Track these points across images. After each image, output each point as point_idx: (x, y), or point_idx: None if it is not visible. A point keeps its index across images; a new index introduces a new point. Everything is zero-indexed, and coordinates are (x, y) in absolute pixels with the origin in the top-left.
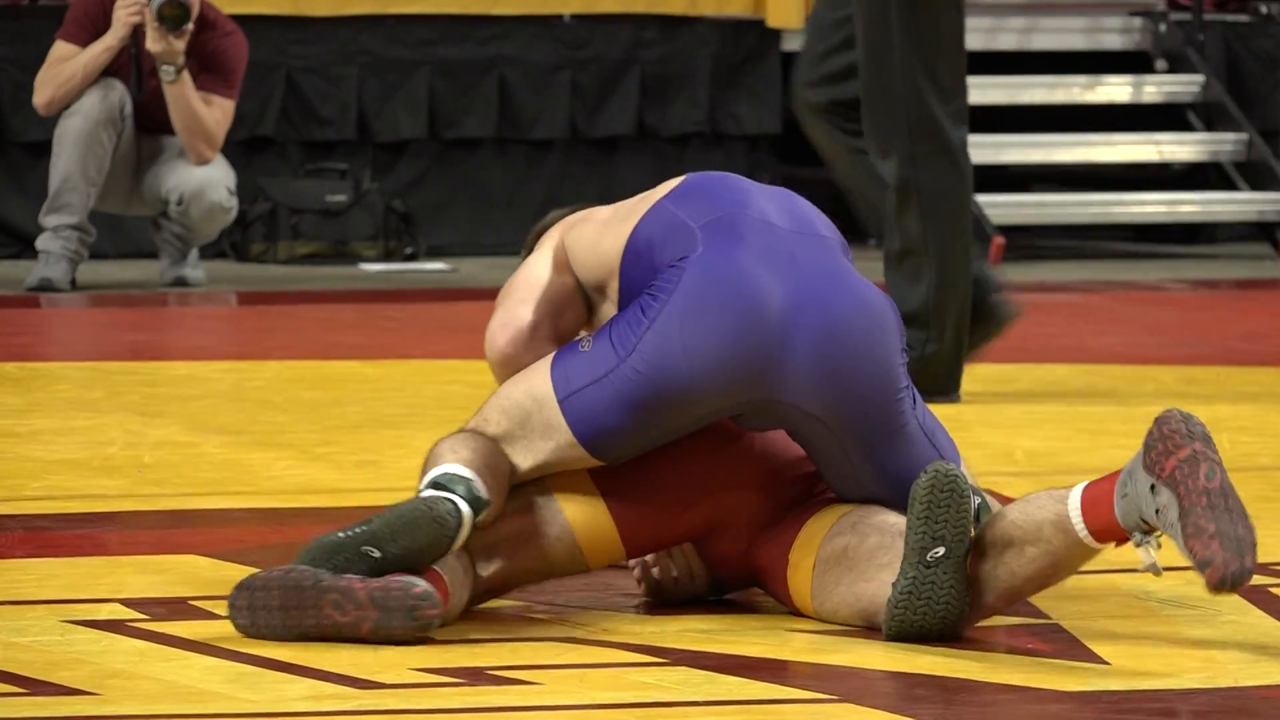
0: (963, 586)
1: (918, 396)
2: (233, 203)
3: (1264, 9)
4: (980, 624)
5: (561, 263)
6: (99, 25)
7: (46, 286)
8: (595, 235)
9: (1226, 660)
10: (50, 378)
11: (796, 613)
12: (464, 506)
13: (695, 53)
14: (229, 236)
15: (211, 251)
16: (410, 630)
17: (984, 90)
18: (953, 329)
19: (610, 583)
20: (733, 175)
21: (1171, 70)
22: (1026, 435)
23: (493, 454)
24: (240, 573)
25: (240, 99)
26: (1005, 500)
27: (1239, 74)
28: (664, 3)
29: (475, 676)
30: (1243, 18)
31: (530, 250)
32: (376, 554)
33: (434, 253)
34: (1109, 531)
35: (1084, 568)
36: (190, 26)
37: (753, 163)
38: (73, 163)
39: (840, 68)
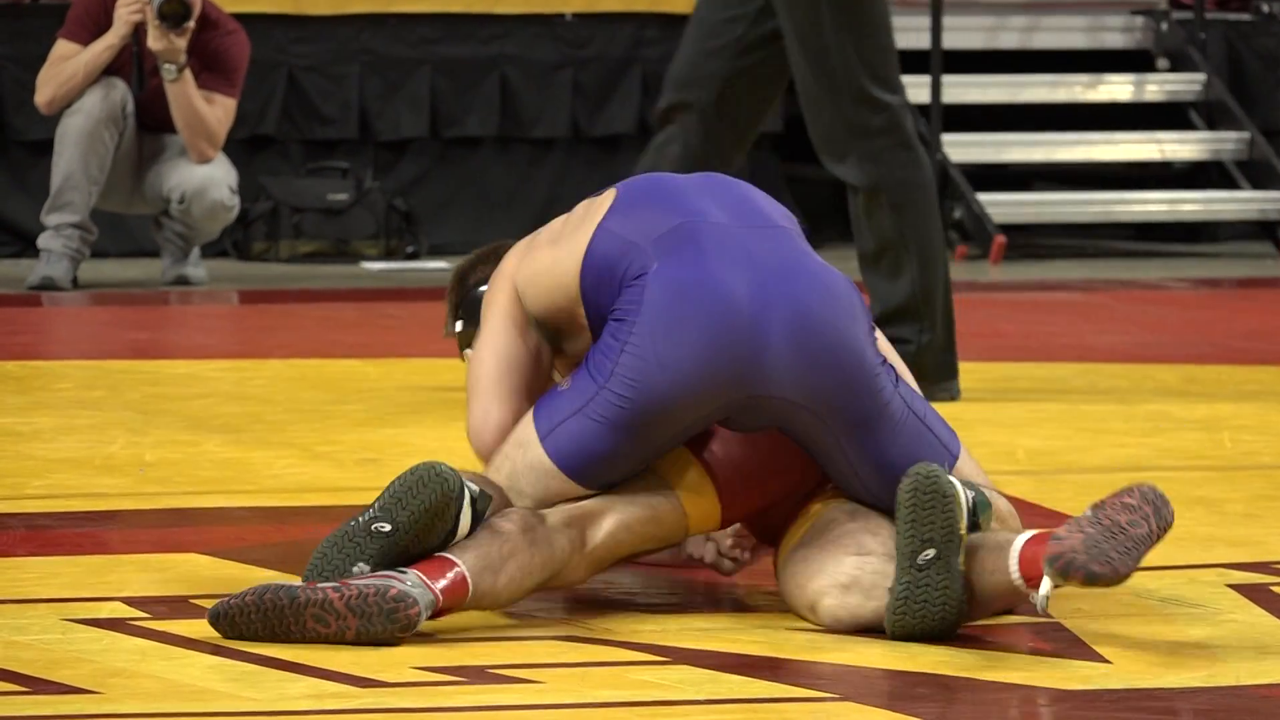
0: (958, 585)
1: (900, 378)
2: (234, 201)
3: (1266, 8)
4: (982, 622)
5: (518, 322)
6: (100, 24)
7: (48, 285)
8: (547, 270)
9: (1228, 659)
10: (52, 376)
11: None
12: (461, 476)
13: None
14: (230, 235)
15: (213, 250)
16: (392, 633)
17: (985, 89)
18: (942, 315)
19: (611, 582)
20: (664, 177)
21: (1173, 69)
22: (1028, 434)
23: (487, 480)
24: (242, 571)
25: (242, 98)
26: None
27: (1241, 73)
28: (665, 1)
29: (477, 675)
30: (1244, 16)
31: (463, 308)
32: (388, 527)
33: (435, 251)
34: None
35: None
36: (191, 24)
37: (753, 161)
38: (74, 161)
39: (723, 70)
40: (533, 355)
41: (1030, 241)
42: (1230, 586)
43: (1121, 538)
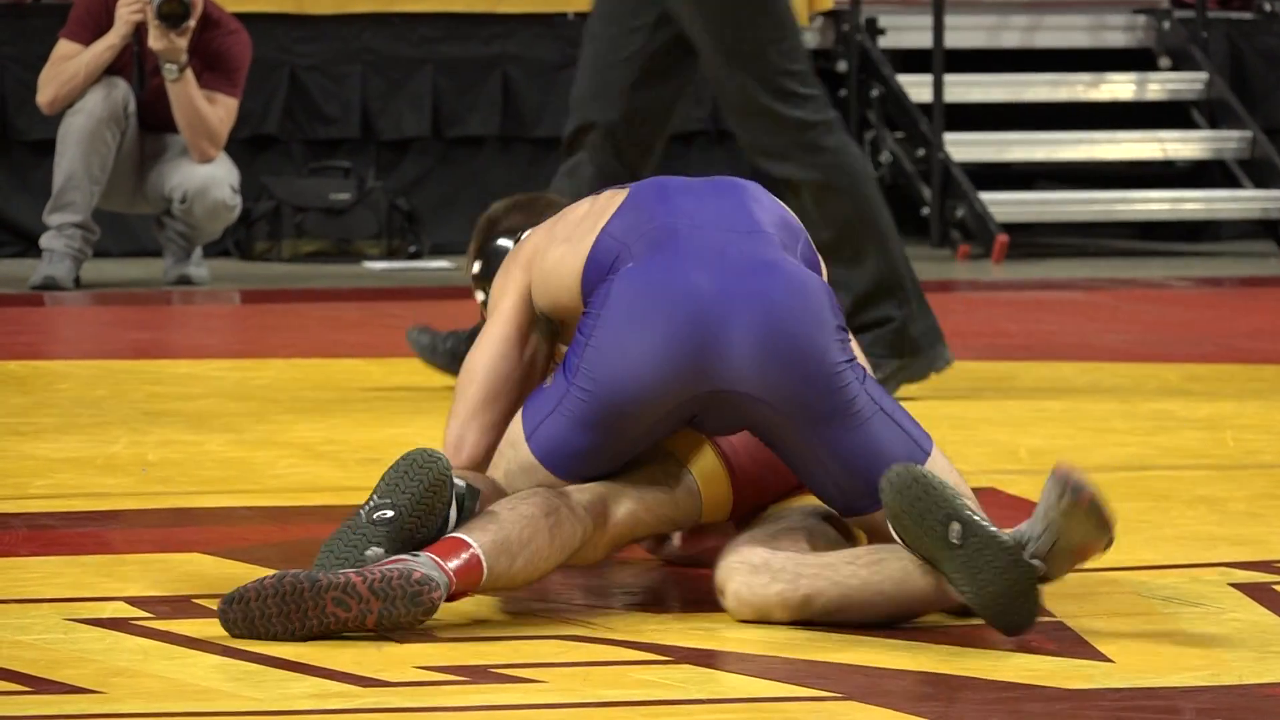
0: (998, 541)
1: (868, 376)
2: (236, 201)
3: (1268, 6)
4: (983, 622)
5: (521, 328)
6: (102, 24)
7: (50, 285)
8: (554, 269)
9: (1231, 658)
10: (54, 376)
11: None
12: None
13: None
14: (233, 235)
15: (215, 250)
16: (416, 616)
17: (987, 88)
18: (912, 285)
19: (613, 581)
20: (672, 179)
21: (1175, 68)
22: (1030, 433)
23: (477, 475)
24: (244, 570)
25: (244, 97)
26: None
27: (1243, 71)
28: None
29: (479, 674)
30: (1247, 15)
31: (483, 256)
32: (390, 513)
33: (438, 251)
34: None
35: (1087, 566)
36: (192, 24)
37: None
38: (76, 161)
39: (625, 84)
40: (526, 368)
41: (1032, 240)
42: (1233, 585)
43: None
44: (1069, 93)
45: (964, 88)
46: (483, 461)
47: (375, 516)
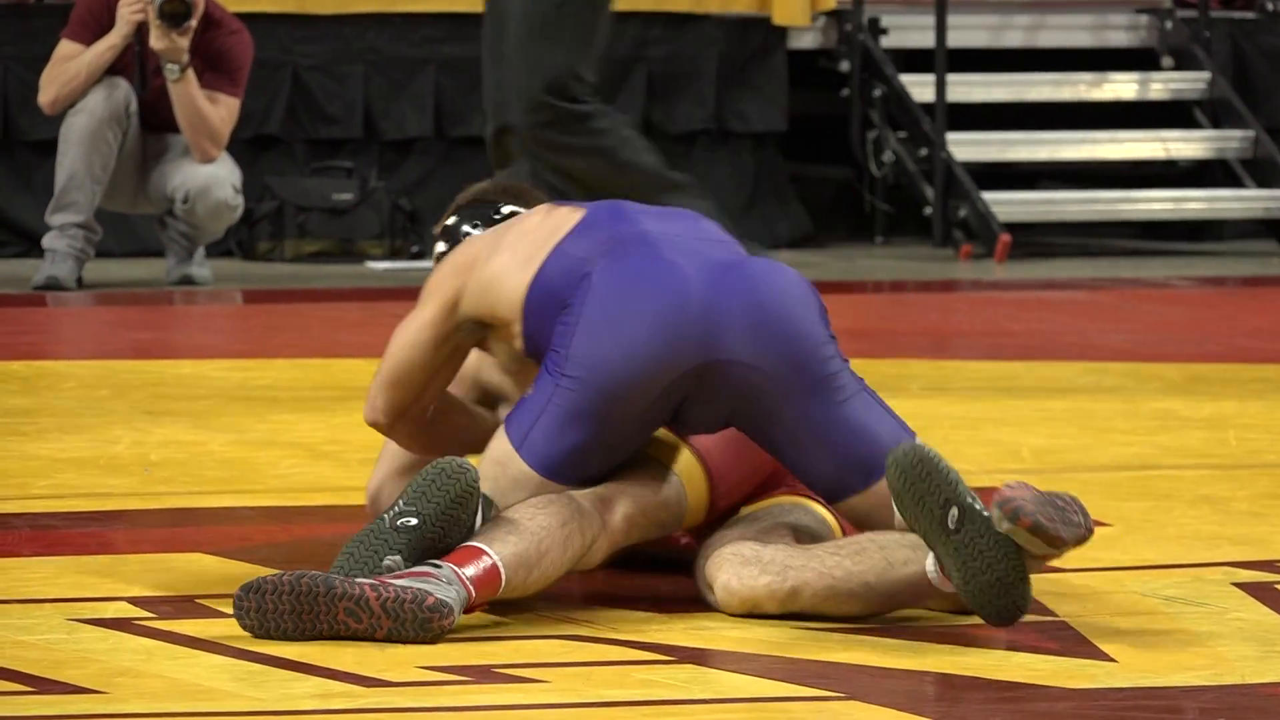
0: (996, 531)
1: (848, 363)
2: (238, 201)
3: (1270, 6)
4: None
5: (438, 340)
6: (103, 23)
7: (53, 285)
8: (498, 279)
9: (1233, 658)
10: (56, 376)
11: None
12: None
13: (701, 50)
14: (235, 235)
15: (218, 250)
16: (423, 640)
17: (990, 87)
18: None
19: (615, 581)
20: (630, 204)
21: (1178, 67)
22: (1033, 432)
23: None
24: (247, 570)
25: (246, 97)
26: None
27: (1245, 71)
28: (670, 1)
29: (482, 674)
30: (1249, 14)
31: (450, 240)
32: (414, 521)
33: None
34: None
35: (1089, 566)
36: (193, 24)
37: (759, 160)
38: (78, 161)
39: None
40: (436, 367)
41: (1035, 240)
42: (1235, 585)
43: (1064, 512)
44: (1071, 92)
45: (966, 87)
46: (383, 426)
47: (399, 524)
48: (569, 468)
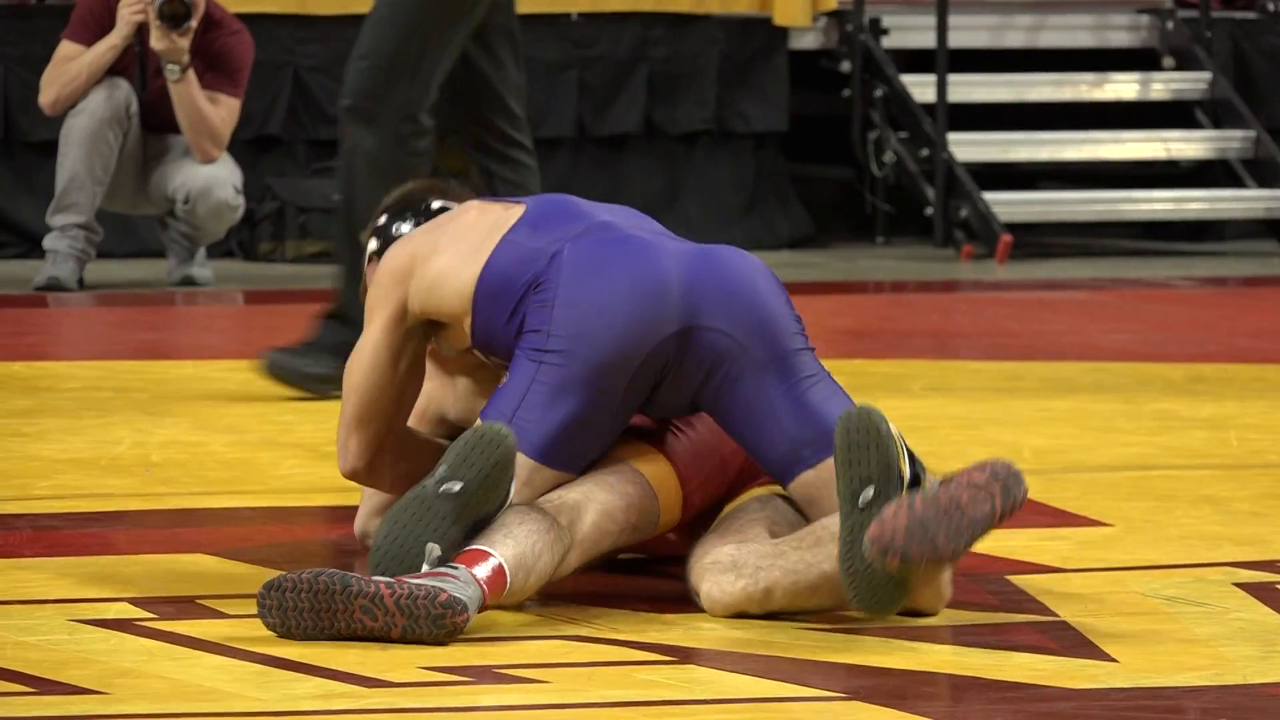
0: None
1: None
2: (239, 201)
3: (1271, 6)
4: (988, 621)
5: (394, 348)
6: (104, 24)
7: (54, 286)
8: (442, 277)
9: (1235, 658)
10: (58, 377)
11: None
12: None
13: (702, 51)
14: (236, 235)
15: (219, 250)
16: (437, 637)
17: (991, 88)
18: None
19: (615, 582)
20: (571, 198)
21: (1179, 67)
22: (1035, 433)
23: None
24: (248, 571)
25: (247, 98)
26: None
27: (1246, 71)
28: (671, 1)
29: (483, 675)
30: (1250, 15)
31: (382, 239)
32: (458, 486)
33: None
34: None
35: (1090, 566)
36: (193, 24)
37: (760, 160)
38: (79, 162)
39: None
40: (401, 383)
41: (1036, 240)
42: (1237, 585)
43: (956, 517)
44: (1073, 92)
45: (967, 87)
46: (362, 472)
47: (442, 490)
48: (562, 448)
